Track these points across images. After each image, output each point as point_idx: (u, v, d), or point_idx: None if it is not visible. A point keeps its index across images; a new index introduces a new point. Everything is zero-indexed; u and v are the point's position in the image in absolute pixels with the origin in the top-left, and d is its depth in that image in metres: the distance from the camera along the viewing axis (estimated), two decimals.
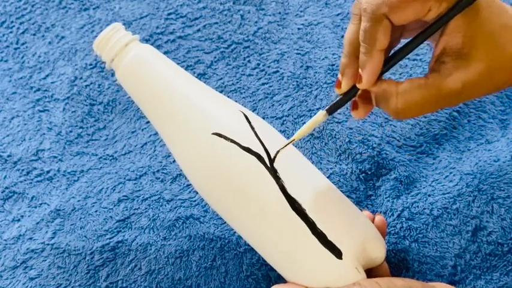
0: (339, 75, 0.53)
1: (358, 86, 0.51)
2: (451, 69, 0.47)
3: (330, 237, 0.53)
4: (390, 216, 0.67)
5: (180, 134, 0.56)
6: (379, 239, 0.56)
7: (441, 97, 0.47)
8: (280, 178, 0.53)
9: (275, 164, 0.54)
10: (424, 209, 0.67)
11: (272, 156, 0.54)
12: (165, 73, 0.57)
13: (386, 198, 0.68)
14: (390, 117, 0.74)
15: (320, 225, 0.53)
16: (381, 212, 0.68)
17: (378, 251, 0.55)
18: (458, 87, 0.47)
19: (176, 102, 0.56)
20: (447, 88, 0.47)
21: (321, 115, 0.54)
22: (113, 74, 0.81)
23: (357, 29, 0.51)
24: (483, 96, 0.50)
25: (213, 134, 0.54)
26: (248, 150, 0.54)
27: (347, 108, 0.75)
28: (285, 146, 0.55)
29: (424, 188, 0.68)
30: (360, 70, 0.50)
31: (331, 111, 0.53)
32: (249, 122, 0.56)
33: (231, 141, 0.54)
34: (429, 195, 0.67)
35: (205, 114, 0.55)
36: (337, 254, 0.52)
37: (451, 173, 0.69)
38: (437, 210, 0.66)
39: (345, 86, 0.53)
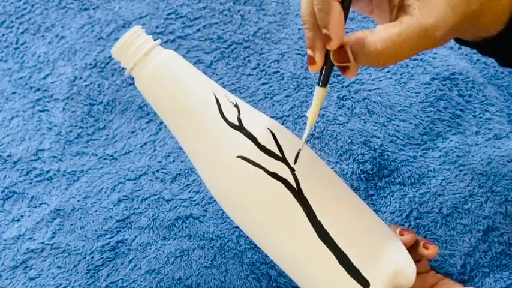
0: (309, 52, 0.49)
1: (328, 47, 0.47)
2: (419, 8, 0.46)
3: (358, 267, 0.51)
4: (399, 216, 0.67)
5: (204, 152, 0.53)
6: (410, 265, 0.53)
7: (421, 35, 0.46)
8: (307, 204, 0.51)
9: (303, 189, 0.51)
10: (433, 208, 0.67)
11: (295, 170, 0.51)
12: (190, 86, 0.53)
13: (393, 199, 0.68)
14: (392, 116, 0.73)
15: (349, 255, 0.51)
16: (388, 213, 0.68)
17: (407, 278, 0.53)
18: (434, 22, 0.45)
19: (200, 119, 0.53)
20: (424, 24, 0.45)
21: (320, 91, 0.51)
22: (121, 74, 0.81)
23: None
24: (457, 34, 0.49)
25: (238, 157, 0.51)
26: (274, 175, 0.51)
27: (348, 109, 0.75)
28: (304, 139, 0.52)
29: (434, 187, 0.68)
30: (324, 30, 0.47)
31: (324, 83, 0.50)
32: (277, 142, 0.52)
33: (256, 166, 0.51)
34: (439, 195, 0.67)
35: (231, 134, 0.52)
36: (365, 284, 0.51)
37: (461, 171, 0.69)
38: (447, 209, 0.66)
39: (319, 59, 0.49)
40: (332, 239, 0.51)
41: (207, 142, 0.53)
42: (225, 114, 0.53)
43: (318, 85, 0.50)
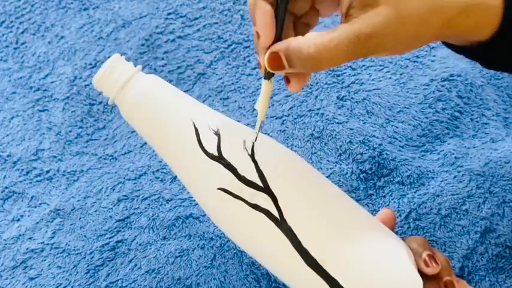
0: (258, 57, 0.51)
1: (260, 44, 0.49)
2: (359, 16, 0.46)
3: None
4: (397, 217, 0.67)
5: (186, 182, 0.54)
6: (414, 285, 0.51)
7: (352, 41, 0.46)
8: (292, 233, 0.50)
9: (287, 218, 0.50)
10: (432, 209, 0.67)
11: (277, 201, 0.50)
12: (169, 116, 0.53)
13: (392, 199, 0.68)
14: (391, 117, 0.74)
15: (340, 281, 0.49)
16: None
17: None
18: (367, 31, 0.46)
19: (179, 150, 0.52)
20: (356, 31, 0.46)
21: (266, 84, 0.51)
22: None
23: None
24: (403, 51, 0.48)
25: (219, 189, 0.51)
26: (256, 207, 0.50)
27: (347, 109, 0.75)
28: (257, 134, 0.52)
29: (432, 188, 0.68)
30: (255, 28, 0.49)
31: (269, 76, 0.51)
32: (259, 170, 0.51)
33: (237, 198, 0.50)
34: (437, 196, 0.67)
35: (210, 165, 0.51)
36: None
37: (459, 172, 0.69)
38: (446, 210, 0.66)
39: (262, 62, 0.50)
40: (321, 266, 0.49)
41: (188, 173, 0.53)
42: (203, 145, 0.52)
43: (264, 79, 0.51)
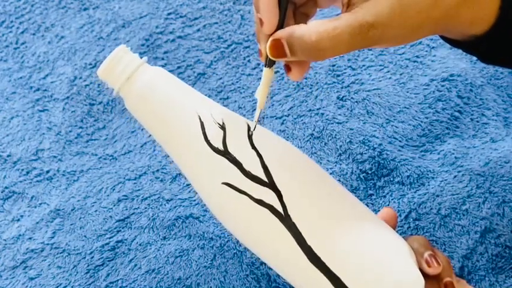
0: (259, 45, 0.51)
1: (263, 31, 0.49)
2: (361, 5, 0.46)
3: None
4: (398, 217, 0.67)
5: (191, 177, 0.53)
6: (417, 284, 0.50)
7: (355, 30, 0.46)
8: (296, 229, 0.49)
9: (291, 214, 0.49)
10: (432, 209, 0.67)
11: (279, 193, 0.50)
12: (174, 109, 0.52)
13: (392, 199, 0.68)
14: (391, 117, 0.74)
15: (343, 278, 0.49)
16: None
17: None
18: (370, 20, 0.45)
19: (184, 143, 0.52)
20: (359, 20, 0.45)
21: (267, 72, 0.51)
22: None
23: None
24: (402, 42, 0.48)
25: (223, 183, 0.50)
26: (260, 202, 0.50)
27: (347, 109, 0.75)
28: (256, 123, 0.51)
29: (432, 188, 0.68)
30: (258, 14, 0.49)
31: (271, 64, 0.50)
32: (264, 165, 0.51)
33: (241, 193, 0.50)
34: (437, 196, 0.67)
35: (215, 160, 0.51)
36: None
37: (459, 171, 0.69)
38: (446, 210, 0.66)
39: (264, 50, 0.50)
40: (324, 263, 0.49)
41: (192, 167, 0.52)
42: (209, 139, 0.51)
43: (265, 66, 0.51)
